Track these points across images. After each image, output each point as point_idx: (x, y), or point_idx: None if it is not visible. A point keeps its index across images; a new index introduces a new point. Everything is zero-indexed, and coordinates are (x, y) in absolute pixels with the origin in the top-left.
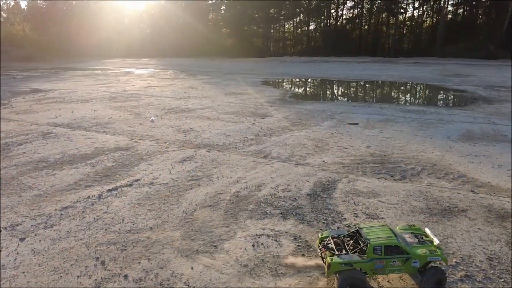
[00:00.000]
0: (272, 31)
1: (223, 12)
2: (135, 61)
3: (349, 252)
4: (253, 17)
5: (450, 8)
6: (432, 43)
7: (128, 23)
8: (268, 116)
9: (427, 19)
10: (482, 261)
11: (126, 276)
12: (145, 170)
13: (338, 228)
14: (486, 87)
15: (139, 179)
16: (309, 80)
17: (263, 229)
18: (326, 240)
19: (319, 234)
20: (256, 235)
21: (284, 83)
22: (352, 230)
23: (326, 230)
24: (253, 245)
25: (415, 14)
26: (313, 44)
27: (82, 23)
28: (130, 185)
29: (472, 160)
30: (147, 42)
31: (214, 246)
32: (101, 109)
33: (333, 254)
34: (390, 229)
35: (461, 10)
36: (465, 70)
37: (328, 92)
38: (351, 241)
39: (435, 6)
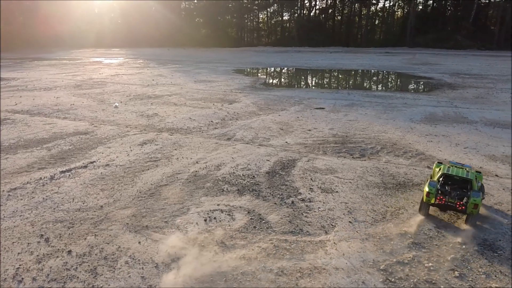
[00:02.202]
0: (246, 21)
1: (196, 1)
2: (106, 51)
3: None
4: (226, 6)
5: None
6: (403, 33)
7: (99, 12)
8: (237, 102)
9: (398, 10)
10: (430, 229)
11: (69, 252)
12: (102, 153)
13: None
14: (452, 74)
15: (94, 161)
16: (280, 69)
17: (218, 204)
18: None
19: (425, 189)
20: (210, 210)
21: (255, 72)
22: (440, 177)
23: (426, 184)
24: (205, 220)
25: (387, 5)
26: (287, 34)
27: (51, 12)
28: (85, 166)
29: (431, 140)
30: (118, 32)
31: (165, 222)
32: (64, 96)
33: (458, 196)
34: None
35: (431, 1)
36: (433, 59)
37: (298, 80)
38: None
39: None
